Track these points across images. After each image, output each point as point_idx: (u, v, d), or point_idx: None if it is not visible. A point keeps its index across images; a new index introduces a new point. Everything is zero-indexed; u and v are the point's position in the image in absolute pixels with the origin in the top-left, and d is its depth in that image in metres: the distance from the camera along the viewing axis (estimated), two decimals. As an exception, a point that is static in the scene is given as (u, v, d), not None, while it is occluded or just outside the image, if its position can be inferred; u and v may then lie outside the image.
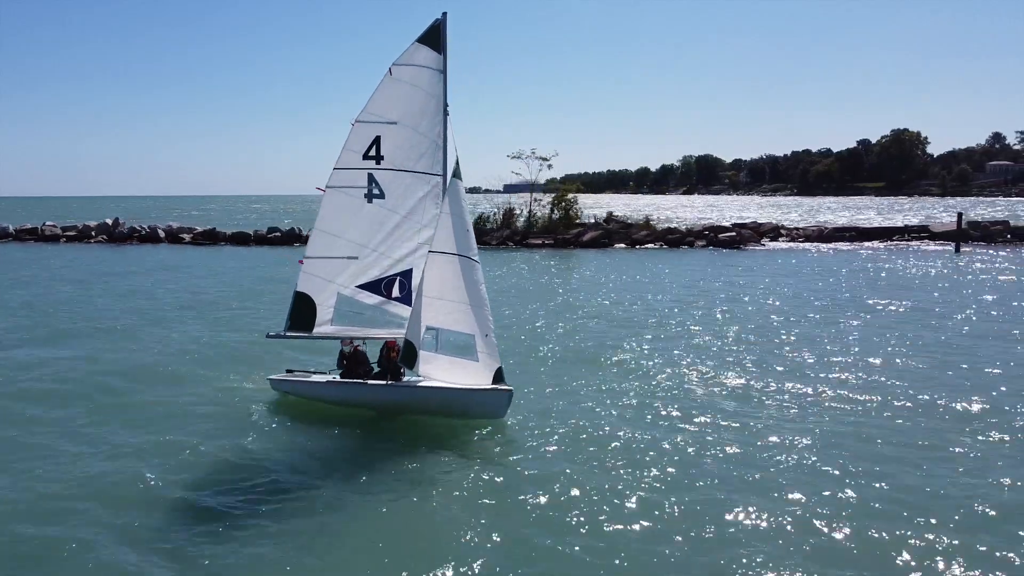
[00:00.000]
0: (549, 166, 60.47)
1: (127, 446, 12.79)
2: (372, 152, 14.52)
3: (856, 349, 20.09)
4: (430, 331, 13.69)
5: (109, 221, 61.50)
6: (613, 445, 12.59)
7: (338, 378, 14.99)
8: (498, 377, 13.55)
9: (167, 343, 21.04)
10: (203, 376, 17.35)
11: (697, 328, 23.18)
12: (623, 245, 55.45)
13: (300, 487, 11.05)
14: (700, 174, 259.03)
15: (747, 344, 20.81)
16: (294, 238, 59.21)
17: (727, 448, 12.52)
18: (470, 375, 13.61)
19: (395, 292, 14.97)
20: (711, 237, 56.49)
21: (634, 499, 10.50)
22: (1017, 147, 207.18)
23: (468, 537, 9.43)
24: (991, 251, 51.04)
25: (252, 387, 16.29)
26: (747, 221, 67.12)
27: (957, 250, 51.04)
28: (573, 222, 58.58)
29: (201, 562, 8.89)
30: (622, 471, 11.51)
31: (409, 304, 14.59)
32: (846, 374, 17.41)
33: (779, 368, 18.01)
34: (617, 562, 8.86)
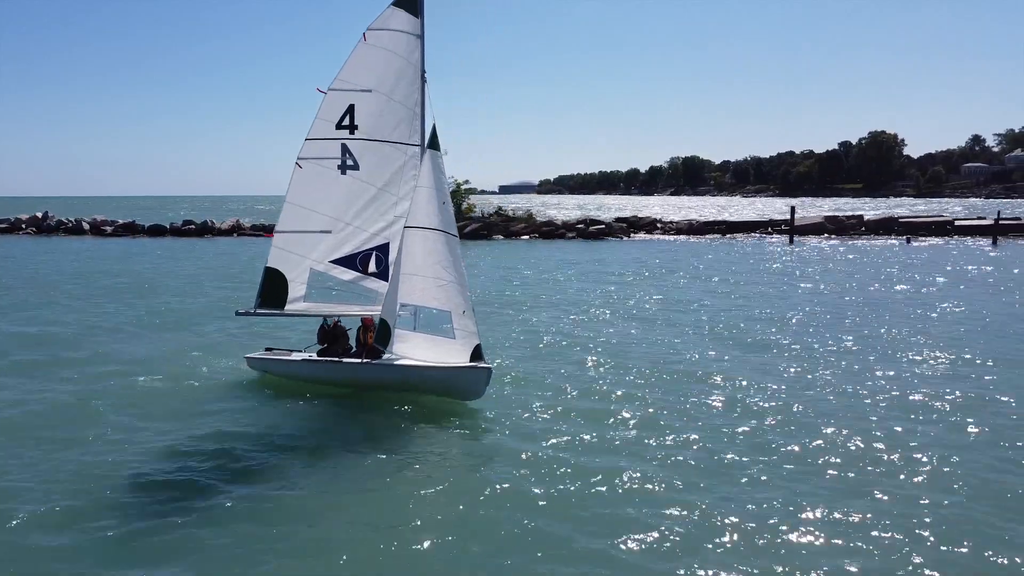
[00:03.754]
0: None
1: (94, 430, 12.21)
2: (345, 121, 13.88)
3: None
4: (405, 308, 13.18)
5: (39, 214, 66.88)
6: (593, 427, 12.33)
7: (316, 355, 14.63)
8: (476, 355, 13.09)
9: (148, 323, 21.40)
10: (175, 355, 17.02)
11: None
12: (500, 237, 60.20)
13: (273, 470, 10.66)
14: (686, 175, 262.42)
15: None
16: (207, 230, 64.85)
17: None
18: (447, 353, 13.10)
19: (371, 267, 14.47)
20: (582, 230, 61.07)
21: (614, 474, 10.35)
22: (996, 149, 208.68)
23: (442, 519, 9.17)
24: (820, 243, 55.50)
25: (229, 364, 16.00)
26: (628, 216, 71.57)
27: (790, 241, 55.49)
28: (464, 216, 63.44)
29: (173, 544, 8.53)
30: (606, 448, 11.40)
31: (386, 279, 14.10)
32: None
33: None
34: (595, 541, 8.57)
